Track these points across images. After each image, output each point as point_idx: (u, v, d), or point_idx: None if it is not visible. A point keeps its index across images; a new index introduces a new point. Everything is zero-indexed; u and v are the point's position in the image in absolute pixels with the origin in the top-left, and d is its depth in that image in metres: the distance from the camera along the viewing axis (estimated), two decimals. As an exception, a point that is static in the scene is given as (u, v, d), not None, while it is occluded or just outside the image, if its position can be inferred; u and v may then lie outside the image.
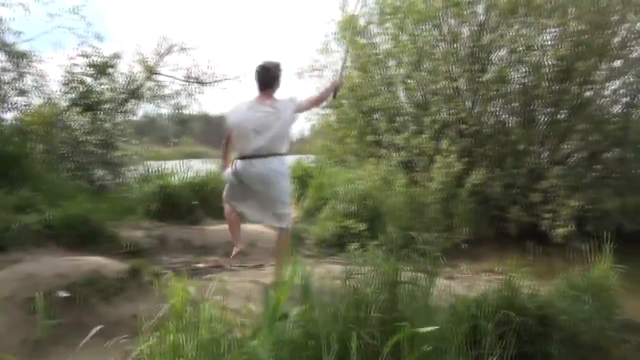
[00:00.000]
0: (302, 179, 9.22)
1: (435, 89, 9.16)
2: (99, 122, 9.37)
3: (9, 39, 8.60)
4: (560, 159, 8.38)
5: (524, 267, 3.51)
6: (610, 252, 3.82)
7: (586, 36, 7.89)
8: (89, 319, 3.01)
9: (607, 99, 8.79)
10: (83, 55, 9.15)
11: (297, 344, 2.21)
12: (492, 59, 8.93)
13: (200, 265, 4.87)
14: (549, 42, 8.65)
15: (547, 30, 8.55)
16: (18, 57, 8.60)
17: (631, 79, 8.45)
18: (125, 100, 9.97)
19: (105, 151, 9.14)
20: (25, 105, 8.93)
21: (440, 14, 9.16)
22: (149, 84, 10.43)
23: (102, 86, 9.51)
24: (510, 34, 8.51)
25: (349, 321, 2.31)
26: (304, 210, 8.33)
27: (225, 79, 10.99)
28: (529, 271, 3.42)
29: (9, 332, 2.92)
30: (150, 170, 8.13)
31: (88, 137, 9.08)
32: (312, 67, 11.04)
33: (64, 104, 9.28)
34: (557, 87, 8.32)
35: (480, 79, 8.52)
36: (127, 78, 10.01)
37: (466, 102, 8.99)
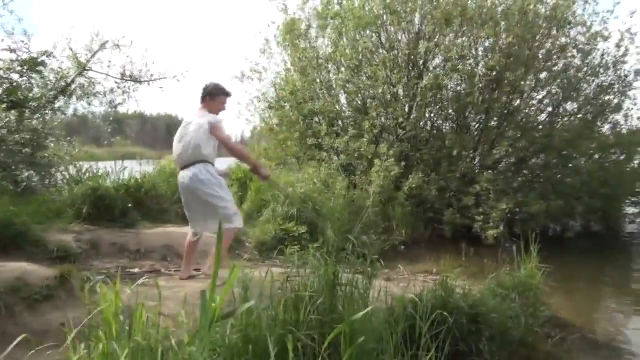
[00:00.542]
0: (243, 182, 9.11)
1: (375, 94, 9.37)
2: (26, 121, 8.82)
3: None
4: (491, 164, 8.81)
5: (458, 267, 3.66)
6: (536, 252, 4.04)
7: (515, 48, 8.35)
8: (13, 328, 2.88)
9: (534, 107, 9.36)
10: (9, 50, 8.61)
11: (235, 349, 2.18)
12: (429, 66, 9.25)
13: (135, 270, 4.70)
14: (481, 53, 9.08)
15: (480, 42, 8.97)
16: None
17: (555, 90, 9.02)
18: (55, 98, 9.48)
19: (32, 151, 8.62)
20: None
21: (379, 22, 9.38)
22: (81, 80, 9.99)
23: (30, 82, 8.98)
24: (446, 43, 8.86)
25: (288, 324, 2.31)
26: (245, 213, 8.20)
27: (163, 78, 10.71)
28: (462, 272, 3.56)
29: None
30: (81, 171, 7.77)
31: (13, 136, 8.52)
32: (252, 70, 11.00)
33: (-15, 100, 8.68)
34: (488, 96, 8.74)
35: (417, 86, 8.79)
36: (57, 74, 9.54)
37: (404, 108, 9.25)
